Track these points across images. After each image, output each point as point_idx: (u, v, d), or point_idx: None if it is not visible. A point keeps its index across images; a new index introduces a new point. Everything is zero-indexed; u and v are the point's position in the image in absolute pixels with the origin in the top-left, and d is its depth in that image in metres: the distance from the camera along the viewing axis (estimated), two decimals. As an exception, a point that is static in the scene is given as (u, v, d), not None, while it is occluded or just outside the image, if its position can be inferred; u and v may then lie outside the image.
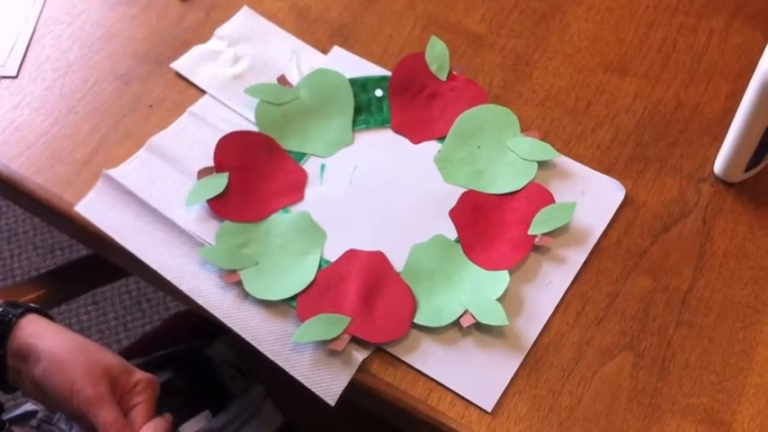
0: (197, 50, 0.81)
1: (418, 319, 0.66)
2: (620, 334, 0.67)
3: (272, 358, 0.65)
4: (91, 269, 1.01)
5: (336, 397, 0.64)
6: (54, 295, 0.95)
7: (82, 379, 0.62)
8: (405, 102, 0.79)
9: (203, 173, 0.73)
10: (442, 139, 0.77)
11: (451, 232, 0.71)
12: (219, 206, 0.72)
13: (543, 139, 0.76)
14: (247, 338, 0.66)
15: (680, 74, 0.81)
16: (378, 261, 0.69)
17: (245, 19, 0.84)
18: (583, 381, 0.65)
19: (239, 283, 0.68)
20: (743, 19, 0.84)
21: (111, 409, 0.61)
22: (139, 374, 0.65)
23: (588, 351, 0.66)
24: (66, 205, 0.73)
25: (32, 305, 0.69)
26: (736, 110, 0.70)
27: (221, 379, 0.86)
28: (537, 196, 0.73)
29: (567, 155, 0.75)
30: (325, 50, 0.82)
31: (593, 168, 0.75)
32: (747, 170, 0.73)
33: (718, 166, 0.74)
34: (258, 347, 0.66)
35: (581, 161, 0.75)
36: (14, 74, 0.80)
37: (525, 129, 0.77)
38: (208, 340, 0.88)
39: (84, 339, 0.66)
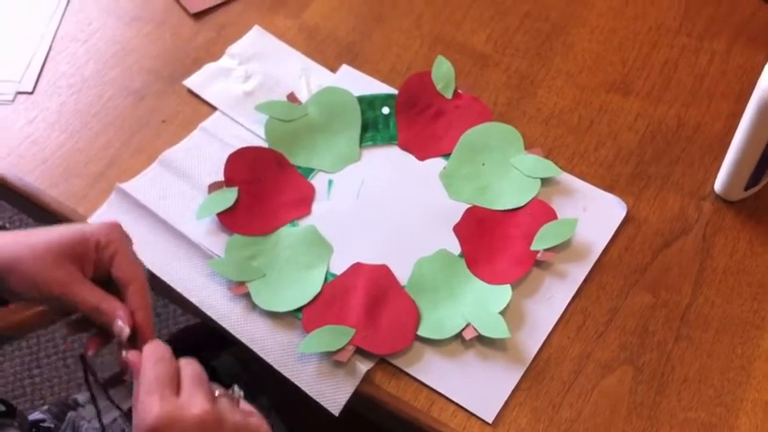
0: (209, 68, 0.84)
1: (422, 332, 0.68)
2: (620, 348, 0.68)
3: (278, 368, 0.67)
4: (100, 283, 1.03)
5: (341, 407, 0.65)
6: (64, 308, 0.97)
7: (41, 275, 0.59)
8: (411, 119, 0.81)
9: (214, 187, 0.75)
10: (447, 155, 0.78)
11: (455, 247, 0.73)
12: (229, 219, 0.74)
13: (547, 157, 0.77)
14: (254, 349, 0.68)
15: (682, 94, 0.82)
16: (383, 274, 0.71)
17: (256, 38, 0.86)
18: (583, 394, 0.66)
19: (247, 295, 0.70)
20: (744, 41, 0.86)
21: (82, 290, 0.59)
22: (92, 230, 0.61)
23: (588, 365, 0.67)
24: (79, 218, 0.75)
25: None
26: (736, 130, 0.71)
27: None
28: (540, 212, 0.74)
29: (570, 172, 0.77)
30: (333, 69, 0.84)
31: (596, 185, 0.76)
32: (747, 189, 0.74)
33: (719, 184, 0.75)
34: (265, 358, 0.68)
35: (584, 178, 0.77)
36: (31, 89, 0.83)
37: (529, 146, 0.78)
38: (214, 352, 0.89)
39: (26, 233, 0.62)
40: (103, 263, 0.61)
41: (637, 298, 0.70)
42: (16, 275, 0.59)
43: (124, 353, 0.59)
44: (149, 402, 0.53)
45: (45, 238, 0.60)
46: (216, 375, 0.88)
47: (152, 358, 0.56)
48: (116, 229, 0.63)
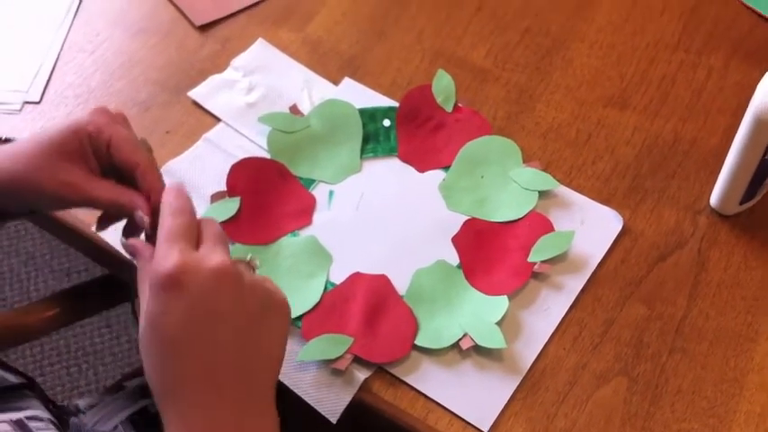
0: (213, 80, 0.85)
1: (419, 341, 0.69)
2: (615, 359, 0.69)
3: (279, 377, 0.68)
4: (103, 289, 1.04)
5: (338, 415, 0.66)
6: (68, 314, 0.98)
7: (48, 184, 0.58)
8: (411, 132, 0.82)
9: (216, 197, 0.77)
10: (446, 168, 0.80)
11: (454, 258, 0.74)
12: (231, 229, 0.75)
13: (545, 170, 0.78)
14: None
15: (679, 109, 0.83)
16: (381, 284, 0.72)
17: (259, 50, 0.88)
18: (578, 404, 0.67)
19: None
20: (741, 57, 0.87)
21: (94, 187, 0.58)
22: (79, 122, 0.59)
23: (584, 375, 0.68)
24: (84, 226, 0.76)
25: None
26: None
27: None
28: (537, 225, 0.75)
29: (568, 185, 0.78)
30: (335, 81, 0.85)
31: (593, 199, 0.77)
32: (742, 203, 0.75)
33: (714, 198, 0.76)
34: None
35: (581, 191, 0.78)
36: (38, 99, 0.84)
37: (527, 159, 0.80)
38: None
39: (17, 147, 0.60)
40: (104, 152, 0.59)
41: (632, 310, 0.71)
42: (25, 192, 0.58)
43: (132, 240, 0.58)
44: (167, 250, 0.51)
45: (38, 145, 0.58)
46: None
47: (171, 209, 0.54)
48: (103, 113, 0.60)
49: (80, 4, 0.92)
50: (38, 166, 0.58)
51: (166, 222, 0.53)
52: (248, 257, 0.57)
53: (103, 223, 0.64)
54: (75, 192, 0.58)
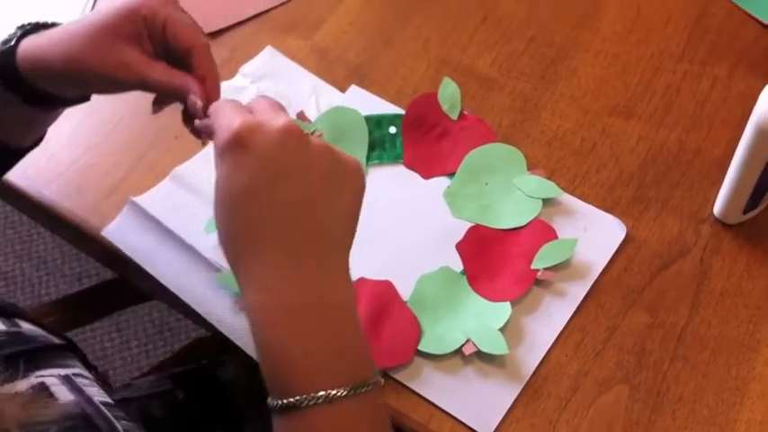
0: (222, 86, 0.86)
1: (422, 347, 0.70)
2: (617, 367, 0.69)
3: None
4: (114, 294, 1.06)
5: (341, 419, 0.66)
6: (78, 318, 1.00)
7: (105, 66, 0.59)
8: (417, 139, 0.82)
9: (223, 203, 0.78)
10: (451, 175, 0.80)
11: (458, 264, 0.75)
12: (237, 234, 0.76)
13: (549, 178, 0.79)
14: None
15: (683, 119, 0.84)
16: (385, 290, 0.73)
17: (268, 58, 0.89)
18: (579, 411, 0.67)
19: None
20: (745, 67, 0.87)
21: (149, 69, 0.59)
22: (134, 4, 0.59)
23: (586, 382, 0.69)
24: (93, 230, 0.77)
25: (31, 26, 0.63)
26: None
27: (234, 402, 0.89)
28: (541, 232, 0.76)
29: (572, 193, 0.79)
30: (342, 89, 0.86)
31: (597, 206, 0.78)
32: (745, 212, 0.76)
33: (718, 208, 0.77)
34: None
35: (585, 199, 0.78)
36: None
37: (532, 167, 0.80)
38: (220, 362, 0.91)
39: (72, 28, 0.60)
40: (158, 35, 0.60)
41: (635, 318, 0.72)
42: (83, 73, 0.59)
43: (197, 122, 0.59)
44: (230, 118, 0.51)
45: (92, 25, 0.59)
46: (223, 386, 0.90)
47: (222, 101, 0.56)
48: None
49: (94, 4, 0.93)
50: (95, 47, 0.58)
51: (226, 103, 0.54)
52: (313, 130, 0.57)
53: (158, 106, 0.65)
54: (132, 73, 0.59)
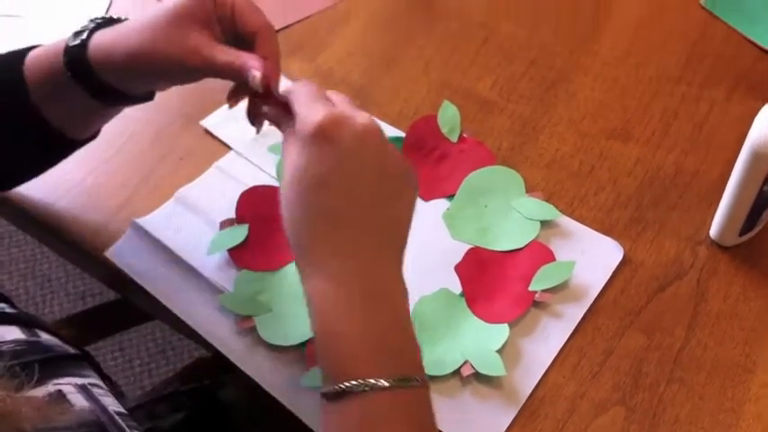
0: (225, 109, 0.88)
1: (421, 368, 0.70)
2: (613, 388, 0.70)
3: (281, 400, 0.69)
4: (117, 313, 1.07)
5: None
6: (81, 337, 1.00)
7: (174, 51, 0.61)
8: (417, 161, 0.84)
9: (225, 224, 0.79)
10: (451, 197, 0.81)
11: (456, 286, 0.75)
12: (239, 255, 0.77)
13: (547, 200, 0.80)
14: (259, 381, 0.70)
15: (680, 141, 0.85)
16: (384, 311, 0.73)
17: (270, 81, 0.90)
18: (576, 432, 0.68)
19: (254, 329, 0.73)
20: (743, 90, 0.88)
21: (216, 52, 0.60)
22: None
23: (582, 404, 0.69)
24: (97, 251, 0.78)
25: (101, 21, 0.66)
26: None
27: (234, 422, 0.90)
28: (539, 254, 0.77)
29: (570, 215, 0.80)
30: (344, 112, 0.87)
31: (595, 229, 0.79)
32: (742, 234, 0.76)
33: (714, 230, 0.77)
34: (269, 391, 0.70)
35: (583, 221, 0.79)
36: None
37: (530, 190, 0.81)
38: (222, 383, 0.92)
39: (141, 18, 0.63)
40: (227, 18, 0.62)
41: (631, 339, 0.72)
42: (151, 64, 0.61)
43: (265, 108, 0.61)
44: (311, 107, 0.53)
45: (164, 14, 0.61)
46: (223, 406, 0.91)
47: (300, 84, 0.57)
48: None
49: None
50: (165, 34, 0.61)
51: (302, 88, 0.56)
52: None
53: (233, 99, 0.67)
54: (199, 57, 0.60)
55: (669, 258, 0.77)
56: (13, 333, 0.56)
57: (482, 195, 0.81)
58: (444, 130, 0.85)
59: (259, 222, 0.79)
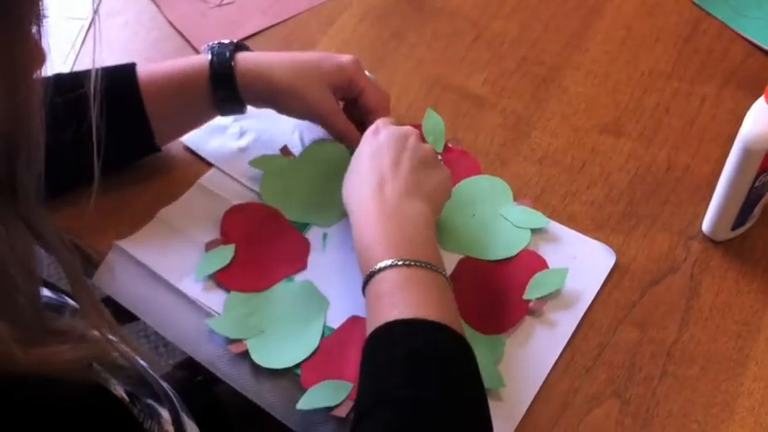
0: (205, 125, 0.85)
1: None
2: (607, 382, 0.71)
3: (283, 421, 0.69)
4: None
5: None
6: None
7: (313, 101, 0.79)
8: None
9: (211, 245, 0.78)
10: (438, 208, 0.81)
11: (450, 299, 0.75)
12: (226, 277, 0.76)
13: (535, 207, 0.80)
14: (259, 403, 0.70)
15: (672, 136, 0.86)
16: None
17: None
18: (570, 427, 0.69)
19: (246, 352, 0.72)
20: (734, 86, 0.90)
21: (338, 116, 0.80)
22: (346, 65, 0.80)
23: (576, 398, 0.70)
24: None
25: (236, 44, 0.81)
26: (721, 172, 0.75)
27: (228, 419, 0.90)
28: (531, 262, 0.77)
29: (563, 211, 0.81)
30: (335, 108, 0.88)
31: (587, 225, 0.80)
32: (734, 229, 0.78)
33: (706, 225, 0.79)
34: (270, 411, 0.70)
35: (575, 217, 0.80)
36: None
37: (519, 194, 0.82)
38: (215, 379, 0.92)
39: (295, 62, 0.80)
40: (351, 94, 0.81)
41: (624, 334, 0.74)
42: (295, 99, 0.79)
43: None
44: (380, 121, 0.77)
45: (314, 69, 0.79)
46: (219, 404, 0.91)
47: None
48: (357, 64, 0.81)
49: (86, 35, 0.95)
50: (312, 84, 0.79)
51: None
52: None
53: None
54: (328, 113, 0.80)
55: (662, 253, 0.78)
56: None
57: (469, 205, 0.81)
58: (429, 140, 0.85)
59: (245, 242, 0.78)
